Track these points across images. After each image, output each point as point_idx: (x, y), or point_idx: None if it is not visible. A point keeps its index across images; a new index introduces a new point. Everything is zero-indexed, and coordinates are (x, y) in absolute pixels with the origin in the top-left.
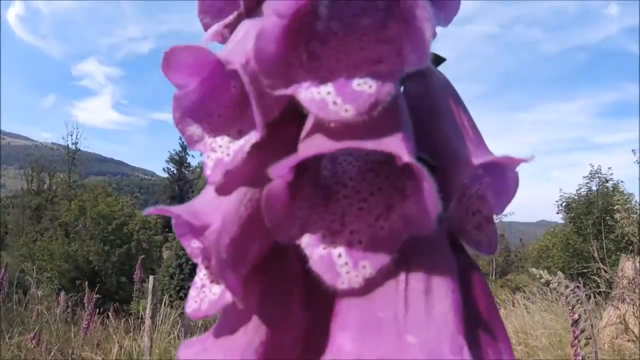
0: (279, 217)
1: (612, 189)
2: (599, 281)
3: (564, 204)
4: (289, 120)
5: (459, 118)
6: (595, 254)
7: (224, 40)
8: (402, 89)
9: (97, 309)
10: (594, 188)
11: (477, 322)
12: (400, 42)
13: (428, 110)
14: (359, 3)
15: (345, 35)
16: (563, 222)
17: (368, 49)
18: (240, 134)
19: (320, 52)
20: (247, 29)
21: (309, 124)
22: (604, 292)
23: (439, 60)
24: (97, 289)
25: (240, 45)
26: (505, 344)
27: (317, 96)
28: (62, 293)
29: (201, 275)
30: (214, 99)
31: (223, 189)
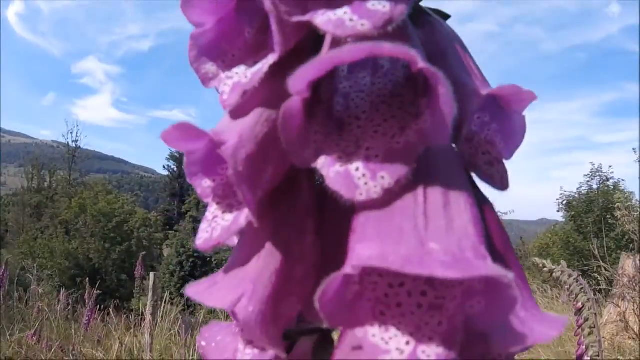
0: (295, 137)
1: (612, 187)
2: (599, 279)
3: (564, 202)
4: (305, 54)
5: (465, 60)
6: (596, 252)
7: None
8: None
9: (98, 306)
10: (595, 186)
11: (493, 254)
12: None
13: (437, 52)
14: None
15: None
16: (564, 220)
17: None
18: (255, 63)
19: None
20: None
21: (325, 47)
22: (604, 290)
23: (444, 16)
24: (97, 286)
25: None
26: (521, 279)
27: (333, 17)
28: (63, 290)
29: (212, 209)
30: (228, 41)
31: (240, 111)
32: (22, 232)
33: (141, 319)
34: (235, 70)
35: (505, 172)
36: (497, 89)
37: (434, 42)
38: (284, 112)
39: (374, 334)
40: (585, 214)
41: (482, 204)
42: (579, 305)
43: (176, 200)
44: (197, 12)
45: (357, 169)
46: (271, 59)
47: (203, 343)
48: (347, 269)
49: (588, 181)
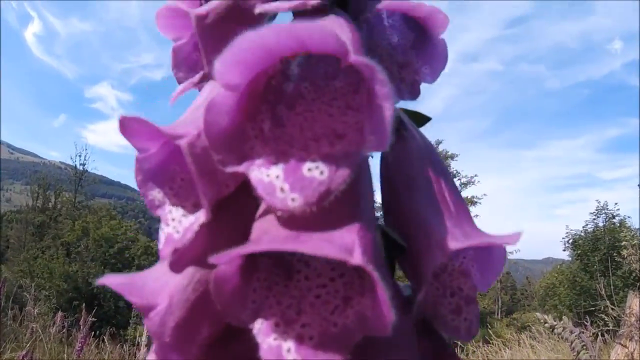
0: (230, 301)
1: (619, 224)
2: (606, 319)
3: (570, 241)
4: (247, 193)
5: (438, 190)
6: (603, 292)
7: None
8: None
9: (93, 332)
10: (601, 224)
11: None
12: (363, 118)
13: (403, 181)
14: (333, 62)
15: (315, 99)
16: (570, 259)
17: (335, 117)
18: (195, 207)
19: (286, 117)
20: (207, 94)
21: (264, 204)
22: (611, 330)
23: (423, 119)
24: (94, 311)
25: (195, 114)
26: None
27: (266, 179)
28: (60, 312)
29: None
30: (176, 162)
31: (174, 266)
32: (23, 250)
33: (136, 348)
34: (174, 212)
35: (476, 317)
36: (469, 243)
37: (402, 164)
38: (216, 278)
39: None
40: (591, 252)
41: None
42: None
43: None
44: (138, 140)
45: (289, 351)
46: (202, 217)
47: None
48: None
49: (594, 219)
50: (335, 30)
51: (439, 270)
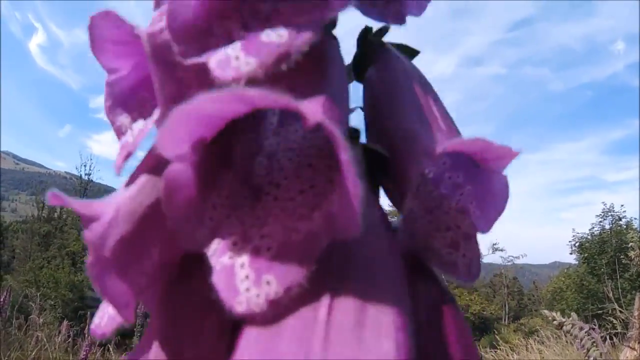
0: (183, 214)
1: (625, 226)
2: (614, 322)
3: (577, 244)
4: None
5: (426, 105)
6: (610, 295)
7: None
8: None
9: (98, 341)
10: (607, 227)
11: None
12: None
13: (387, 94)
14: None
15: None
16: (577, 262)
17: None
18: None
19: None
20: None
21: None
22: (620, 332)
23: (412, 52)
24: None
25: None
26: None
27: (223, 56)
28: (65, 322)
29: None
30: (147, 87)
31: (130, 178)
32: (29, 260)
33: None
34: (136, 124)
35: (476, 256)
36: (459, 143)
37: (387, 80)
38: (167, 181)
39: None
40: (598, 256)
41: (440, 304)
42: None
43: None
44: (108, 57)
45: (242, 266)
46: (155, 114)
47: None
48: None
49: (600, 221)
50: None
51: (432, 205)
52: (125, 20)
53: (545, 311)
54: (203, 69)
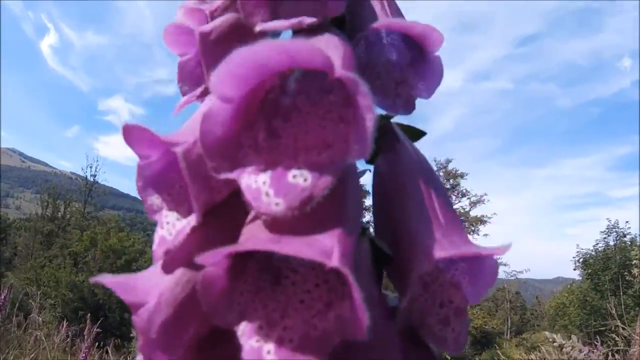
0: (216, 302)
1: (629, 243)
2: (617, 339)
3: (581, 260)
4: (239, 200)
5: (428, 201)
6: (613, 311)
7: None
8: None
9: (97, 343)
10: (612, 243)
11: None
12: (350, 128)
13: (394, 192)
14: (327, 78)
15: (310, 112)
16: (580, 278)
17: (328, 129)
18: (189, 212)
19: (281, 129)
20: (205, 106)
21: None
22: (622, 349)
23: (418, 134)
24: (99, 322)
25: (193, 124)
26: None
27: (254, 184)
28: (64, 322)
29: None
30: (175, 170)
31: (166, 267)
32: (31, 258)
33: None
34: (169, 217)
35: (464, 329)
36: (456, 252)
37: (394, 175)
38: (203, 279)
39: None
40: (602, 272)
41: None
42: None
43: None
44: (140, 147)
45: (269, 353)
46: (193, 221)
47: None
48: None
49: (604, 238)
50: (324, 47)
51: (429, 280)
52: (151, 131)
53: (547, 332)
54: (232, 180)
